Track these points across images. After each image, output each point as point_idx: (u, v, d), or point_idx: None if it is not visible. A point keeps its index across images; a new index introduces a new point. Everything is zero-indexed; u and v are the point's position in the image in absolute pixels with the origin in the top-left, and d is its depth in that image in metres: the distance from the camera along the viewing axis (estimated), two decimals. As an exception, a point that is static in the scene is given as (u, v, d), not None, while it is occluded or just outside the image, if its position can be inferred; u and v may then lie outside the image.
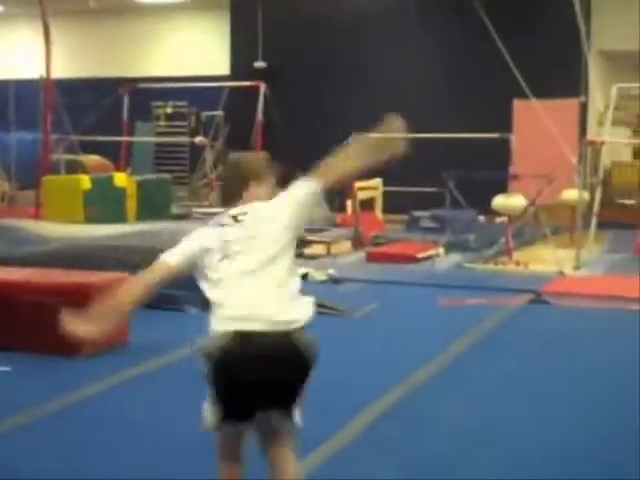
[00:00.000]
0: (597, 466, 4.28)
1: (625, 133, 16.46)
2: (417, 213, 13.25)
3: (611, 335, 7.19)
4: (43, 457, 4.31)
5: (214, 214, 10.69)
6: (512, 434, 4.70)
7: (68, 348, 6.01)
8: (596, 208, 12.40)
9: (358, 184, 13.38)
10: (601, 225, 12.84)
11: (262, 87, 14.98)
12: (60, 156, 14.76)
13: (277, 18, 17.19)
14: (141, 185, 11.39)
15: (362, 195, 13.82)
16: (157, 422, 4.83)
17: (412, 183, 14.40)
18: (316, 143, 15.24)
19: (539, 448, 4.47)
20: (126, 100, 15.71)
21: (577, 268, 10.30)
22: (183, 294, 7.60)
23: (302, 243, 11.83)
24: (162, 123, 18.09)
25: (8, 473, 4.09)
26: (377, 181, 14.44)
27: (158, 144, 17.83)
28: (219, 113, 17.07)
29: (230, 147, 17.20)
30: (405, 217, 13.60)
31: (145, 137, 17.51)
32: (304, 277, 9.43)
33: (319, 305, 7.93)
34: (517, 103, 15.05)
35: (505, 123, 14.92)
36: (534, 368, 6.07)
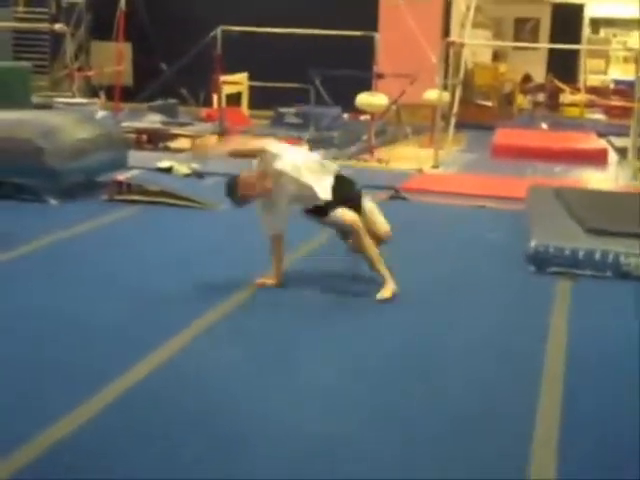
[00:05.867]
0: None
1: (486, 35, 16.83)
2: (282, 109, 13.28)
3: (456, 225, 7.63)
4: None
5: (75, 104, 10.53)
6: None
7: None
8: (455, 109, 12.75)
9: (224, 78, 13.30)
10: (460, 125, 13.23)
11: (126, -26, 14.53)
12: None
13: None
14: (-2, 73, 10.99)
15: (228, 89, 13.74)
16: (11, 311, 4.87)
17: (278, 79, 14.38)
18: (181, 33, 15.08)
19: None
20: (-20, -18, 15.03)
21: (435, 166, 10.64)
22: (41, 184, 7.52)
23: (167, 136, 11.76)
24: (20, 8, 17.32)
25: None
26: (243, 76, 14.37)
27: (16, 30, 17.10)
28: (80, 0, 16.50)
29: (92, 36, 16.75)
30: (271, 113, 13.62)
31: (2, 22, 16.76)
32: (168, 170, 9.43)
33: (182, 198, 7.98)
34: (383, 1, 15.12)
35: (371, 21, 14.99)
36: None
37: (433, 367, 4.34)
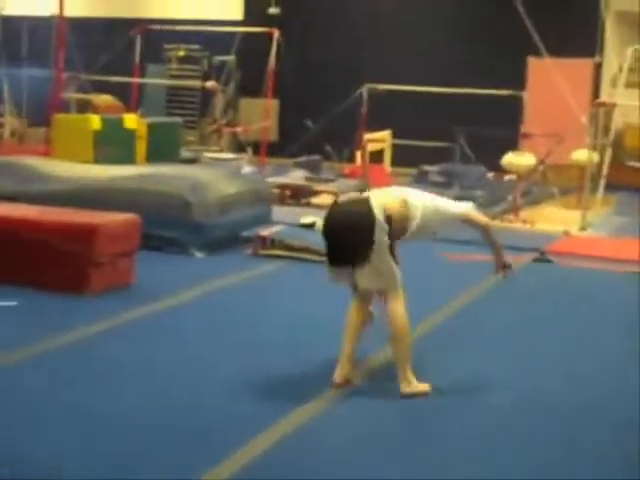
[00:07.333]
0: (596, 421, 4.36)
1: (638, 95, 16.31)
2: (426, 167, 13.20)
3: (609, 294, 7.29)
4: (43, 391, 4.39)
5: (223, 159, 10.75)
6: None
7: (74, 287, 6.13)
8: (605, 170, 12.38)
9: (367, 136, 13.35)
10: (610, 187, 12.83)
11: (275, 33, 14.89)
12: (71, 95, 14.72)
13: (293, -36, 17.05)
14: (151, 127, 11.34)
15: (371, 147, 13.78)
16: (146, 361, 4.92)
17: (422, 137, 14.36)
18: (327, 91, 15.31)
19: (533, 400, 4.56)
20: (138, 41, 15.62)
21: (583, 229, 10.32)
22: (188, 237, 7.67)
23: (310, 192, 11.86)
24: (174, 66, 17.99)
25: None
26: (387, 133, 14.39)
27: (169, 87, 17.74)
28: (231, 58, 16.97)
29: (241, 93, 17.18)
30: (414, 171, 13.57)
31: (156, 79, 17.43)
32: (312, 226, 9.47)
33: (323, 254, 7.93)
34: (531, 60, 14.94)
35: (518, 80, 14.83)
36: (536, 324, 6.16)
37: (580, 438, 4.13)
